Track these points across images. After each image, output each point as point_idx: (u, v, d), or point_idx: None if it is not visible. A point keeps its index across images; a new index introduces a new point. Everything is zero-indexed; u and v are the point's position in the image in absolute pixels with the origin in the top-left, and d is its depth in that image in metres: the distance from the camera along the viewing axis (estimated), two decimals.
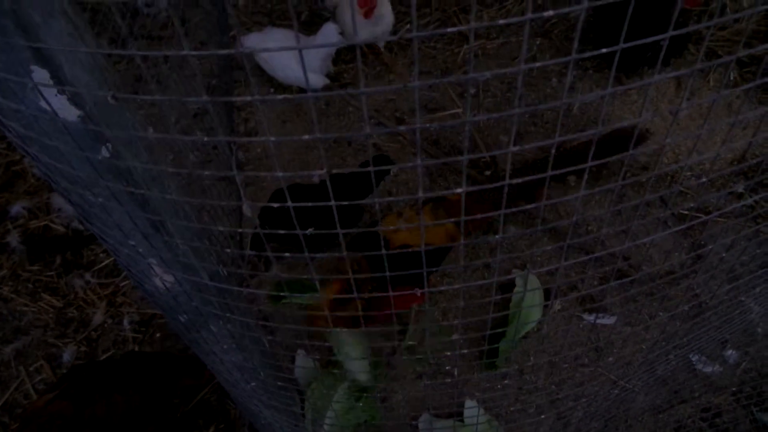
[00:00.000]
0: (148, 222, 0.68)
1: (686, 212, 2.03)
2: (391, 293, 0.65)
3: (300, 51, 0.40)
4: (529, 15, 0.39)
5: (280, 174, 0.46)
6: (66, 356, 1.79)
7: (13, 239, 2.01)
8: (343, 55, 2.54)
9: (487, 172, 2.22)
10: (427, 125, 0.44)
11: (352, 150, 2.31)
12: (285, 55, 2.26)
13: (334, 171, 1.94)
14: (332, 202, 0.50)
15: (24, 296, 1.93)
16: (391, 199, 0.64)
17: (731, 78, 2.39)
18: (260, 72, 2.42)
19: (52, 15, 0.49)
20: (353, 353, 1.59)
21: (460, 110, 2.39)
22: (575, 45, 0.45)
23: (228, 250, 0.76)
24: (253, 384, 1.10)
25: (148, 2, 2.84)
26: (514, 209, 0.54)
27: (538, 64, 0.45)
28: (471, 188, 0.48)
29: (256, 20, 2.77)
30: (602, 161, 0.55)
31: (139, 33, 2.67)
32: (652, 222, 1.97)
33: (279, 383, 1.13)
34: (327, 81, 2.37)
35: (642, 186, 2.13)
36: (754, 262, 1.78)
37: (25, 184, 2.21)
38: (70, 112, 0.57)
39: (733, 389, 1.64)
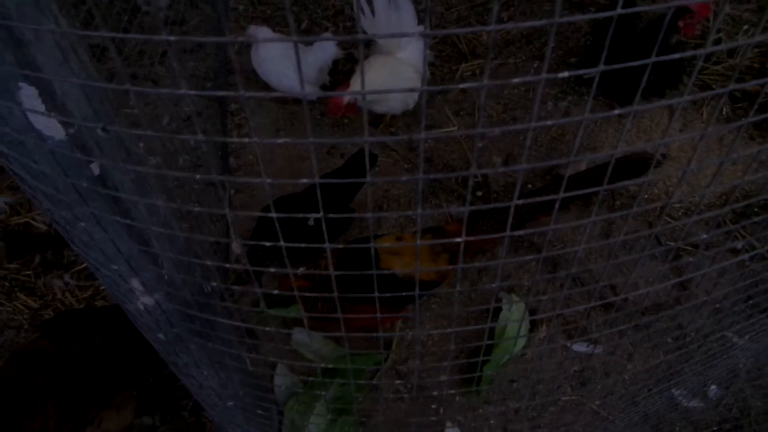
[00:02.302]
0: (134, 239, 0.65)
1: (676, 245, 2.03)
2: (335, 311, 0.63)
3: (297, 48, 0.38)
4: (544, 75, 0.38)
5: (268, 180, 0.44)
6: None
7: None
8: (341, 65, 2.52)
9: (479, 193, 2.22)
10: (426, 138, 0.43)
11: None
12: (281, 63, 2.24)
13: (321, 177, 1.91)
14: (315, 214, 0.48)
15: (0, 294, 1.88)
16: (385, 213, 0.62)
17: (723, 112, 2.41)
18: (254, 77, 2.40)
19: (44, 31, 0.47)
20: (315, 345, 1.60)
21: (455, 128, 2.38)
22: (545, 66, 0.43)
23: (211, 263, 0.74)
24: (231, 403, 1.07)
25: (147, 0, 2.81)
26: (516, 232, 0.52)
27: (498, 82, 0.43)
28: (472, 224, 0.46)
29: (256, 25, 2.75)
30: (608, 187, 0.53)
31: (137, 30, 2.64)
32: (639, 253, 1.97)
33: (257, 402, 1.11)
34: (322, 92, 2.36)
35: (634, 217, 2.14)
36: (738, 297, 1.79)
37: (8, 178, 2.16)
38: (57, 131, 0.54)
39: (714, 428, 1.63)
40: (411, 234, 1.63)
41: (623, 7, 2.29)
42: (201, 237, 0.52)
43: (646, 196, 2.19)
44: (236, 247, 0.58)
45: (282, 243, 0.48)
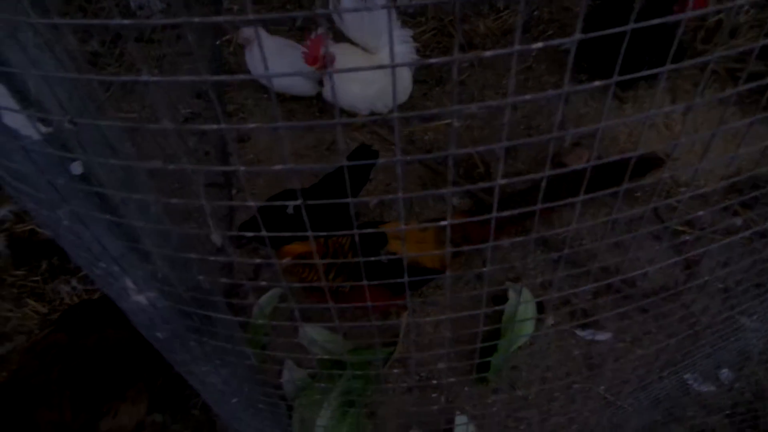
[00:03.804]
0: (123, 240, 0.65)
1: (681, 228, 2.01)
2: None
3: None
4: (517, 47, 0.37)
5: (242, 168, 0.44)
6: None
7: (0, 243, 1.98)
8: None
9: (482, 184, 2.20)
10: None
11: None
12: (278, 62, 2.24)
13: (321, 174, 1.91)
14: (293, 202, 0.47)
15: (8, 301, 1.89)
16: (365, 199, 0.61)
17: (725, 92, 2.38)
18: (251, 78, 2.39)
19: (17, 28, 0.47)
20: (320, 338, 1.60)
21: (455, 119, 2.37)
22: (518, 38, 0.43)
23: (213, 258, 0.73)
24: (235, 400, 1.07)
25: (140, 4, 2.82)
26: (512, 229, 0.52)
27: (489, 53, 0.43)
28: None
29: (250, 25, 2.75)
30: (615, 188, 0.52)
31: (131, 35, 2.65)
32: (645, 236, 1.95)
33: (264, 398, 1.10)
34: (319, 88, 2.35)
35: (636, 200, 2.12)
36: (747, 279, 1.77)
37: None
38: (33, 130, 0.54)
39: (727, 411, 1.61)
40: (414, 220, 1.64)
41: None
42: (190, 230, 0.52)
43: (650, 180, 2.17)
44: (216, 238, 0.58)
45: (264, 233, 0.48)
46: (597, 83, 0.45)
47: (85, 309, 1.52)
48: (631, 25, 0.41)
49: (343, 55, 2.06)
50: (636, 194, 2.12)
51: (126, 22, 0.34)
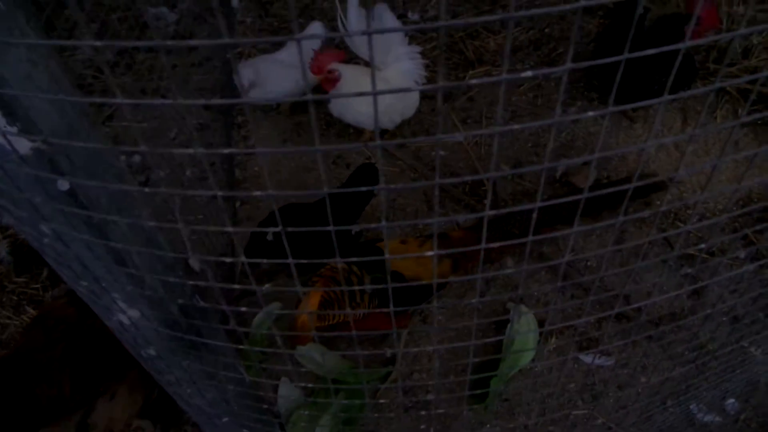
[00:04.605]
0: (109, 258, 0.64)
1: (693, 252, 1.98)
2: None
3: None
4: (504, 76, 0.35)
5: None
6: None
7: (2, 249, 1.98)
8: None
9: (471, 215, 2.18)
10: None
11: (350, 172, 2.28)
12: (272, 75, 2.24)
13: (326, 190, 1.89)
14: (273, 229, 0.45)
15: (8, 308, 1.89)
16: (398, 223, 0.59)
17: (739, 114, 2.35)
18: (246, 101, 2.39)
19: (10, 42, 0.46)
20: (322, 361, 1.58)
21: (462, 136, 2.35)
22: (505, 65, 0.41)
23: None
24: (225, 419, 1.05)
25: (158, 16, 2.85)
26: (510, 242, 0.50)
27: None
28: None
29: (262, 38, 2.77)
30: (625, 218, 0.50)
31: (145, 47, 2.68)
32: (653, 260, 1.91)
33: (256, 416, 1.08)
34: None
35: (644, 222, 2.08)
36: (756, 306, 1.73)
37: None
38: (21, 144, 0.53)
39: None
40: (414, 238, 1.63)
41: (626, 12, 2.26)
42: (167, 254, 0.50)
43: (658, 202, 2.13)
44: (194, 263, 0.57)
45: (243, 259, 0.46)
46: (590, 113, 0.43)
47: None
48: (626, 55, 0.39)
49: (349, 74, 2.05)
50: (644, 217, 2.09)
51: (96, 43, 0.33)
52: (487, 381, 1.60)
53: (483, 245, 0.49)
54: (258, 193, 0.42)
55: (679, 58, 0.45)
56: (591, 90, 2.45)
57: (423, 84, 2.28)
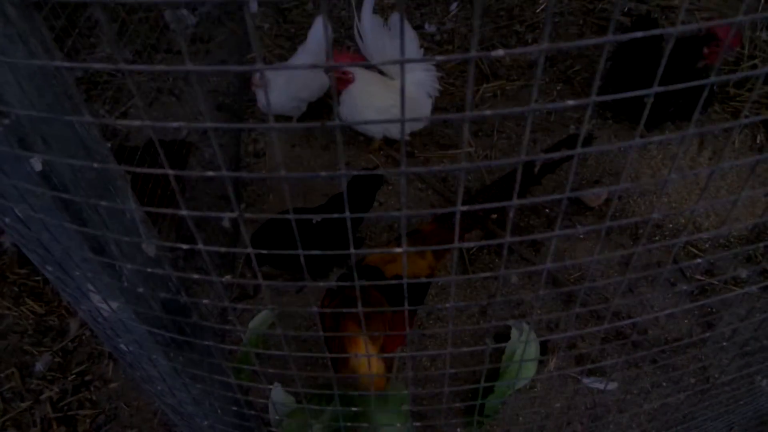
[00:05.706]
0: (87, 246, 0.62)
1: (701, 278, 1.92)
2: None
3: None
4: (473, 53, 0.33)
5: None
6: (39, 366, 1.73)
7: (7, 240, 1.99)
8: None
9: (494, 216, 2.15)
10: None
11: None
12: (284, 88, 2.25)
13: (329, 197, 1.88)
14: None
15: (8, 299, 1.89)
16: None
17: (757, 141, 2.30)
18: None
19: None
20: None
21: (472, 149, 2.33)
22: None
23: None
24: (206, 423, 1.02)
25: (177, 17, 2.88)
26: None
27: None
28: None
29: (278, 43, 2.78)
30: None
31: (163, 47, 2.71)
32: (661, 284, 1.86)
33: (240, 422, 1.05)
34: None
35: (653, 242, 2.03)
36: (763, 336, 1.66)
37: None
38: None
39: None
40: (393, 240, 1.64)
41: (643, 28, 2.22)
42: (124, 239, 0.48)
43: (671, 225, 2.09)
44: (147, 248, 0.55)
45: (201, 247, 0.44)
46: (591, 149, 0.40)
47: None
48: (655, 89, 0.37)
49: (362, 79, 2.05)
50: (655, 237, 2.04)
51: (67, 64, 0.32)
52: (484, 398, 1.56)
53: (456, 244, 0.47)
54: (227, 216, 0.40)
55: (706, 90, 0.43)
56: (605, 108, 2.41)
57: (435, 96, 2.26)
